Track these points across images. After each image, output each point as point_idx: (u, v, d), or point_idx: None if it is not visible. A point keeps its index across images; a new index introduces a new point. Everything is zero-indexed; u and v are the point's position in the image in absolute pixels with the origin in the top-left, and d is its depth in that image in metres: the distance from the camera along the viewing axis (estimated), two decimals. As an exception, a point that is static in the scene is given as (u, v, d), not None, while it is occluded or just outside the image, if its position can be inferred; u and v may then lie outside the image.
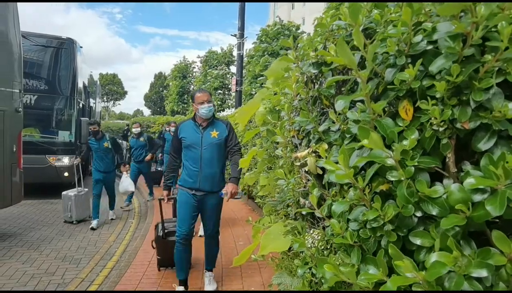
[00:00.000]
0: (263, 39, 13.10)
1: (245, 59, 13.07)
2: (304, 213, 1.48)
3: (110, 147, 6.42)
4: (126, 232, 6.18)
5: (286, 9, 48.34)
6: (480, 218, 0.79)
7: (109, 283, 3.88)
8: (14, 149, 5.49)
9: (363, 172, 0.97)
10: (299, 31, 13.68)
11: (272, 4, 49.45)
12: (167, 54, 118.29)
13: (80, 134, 8.42)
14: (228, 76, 18.08)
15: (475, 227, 0.85)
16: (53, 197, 5.70)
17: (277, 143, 1.77)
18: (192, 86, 25.43)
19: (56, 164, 8.01)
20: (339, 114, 1.10)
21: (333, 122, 1.14)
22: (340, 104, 0.96)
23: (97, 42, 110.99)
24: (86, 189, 6.73)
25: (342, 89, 1.29)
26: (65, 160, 6.45)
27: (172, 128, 8.51)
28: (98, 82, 16.81)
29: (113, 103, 54.01)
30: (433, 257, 0.82)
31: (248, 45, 23.26)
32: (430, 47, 0.90)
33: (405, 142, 0.87)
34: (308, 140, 1.40)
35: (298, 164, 1.35)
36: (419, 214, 0.88)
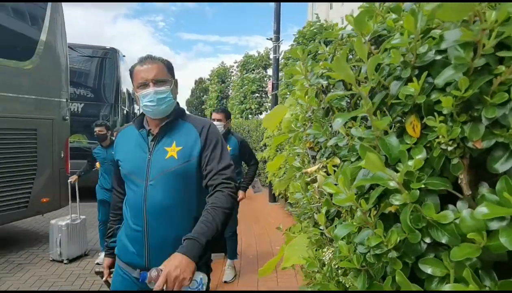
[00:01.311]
0: (300, 40, 13.01)
1: (281, 61, 13.02)
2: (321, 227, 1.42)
3: None
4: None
5: (324, 9, 47.76)
6: (497, 248, 0.70)
7: (145, 285, 4.01)
8: (62, 155, 5.87)
9: (371, 191, 0.91)
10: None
11: (310, 4, 49.01)
12: (208, 60, 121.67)
13: None
14: (265, 79, 18.19)
15: (493, 258, 0.76)
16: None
17: (298, 154, 1.73)
18: (230, 91, 25.76)
19: None
20: (349, 127, 1.04)
21: (343, 137, 1.08)
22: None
23: (144, 50, 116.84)
24: (83, 217, 5.23)
25: (358, 99, 1.22)
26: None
27: None
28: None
29: (157, 108, 56.07)
30: (446, 289, 0.74)
31: (286, 47, 23.26)
32: (439, 57, 0.81)
33: (410, 162, 0.79)
34: (321, 154, 1.34)
35: (309, 179, 1.30)
36: (428, 240, 0.80)
